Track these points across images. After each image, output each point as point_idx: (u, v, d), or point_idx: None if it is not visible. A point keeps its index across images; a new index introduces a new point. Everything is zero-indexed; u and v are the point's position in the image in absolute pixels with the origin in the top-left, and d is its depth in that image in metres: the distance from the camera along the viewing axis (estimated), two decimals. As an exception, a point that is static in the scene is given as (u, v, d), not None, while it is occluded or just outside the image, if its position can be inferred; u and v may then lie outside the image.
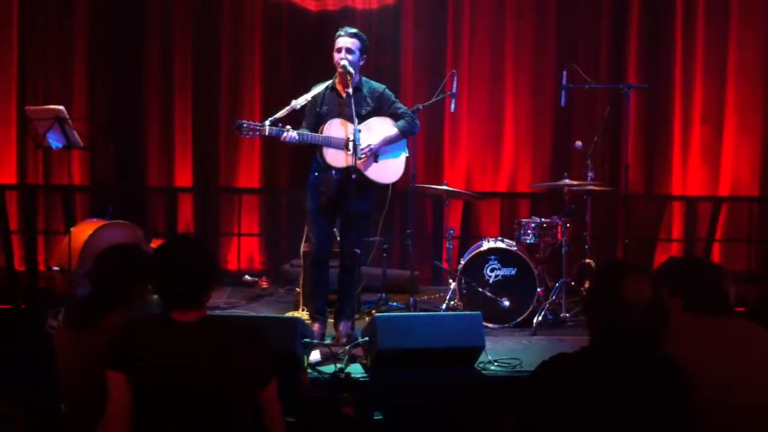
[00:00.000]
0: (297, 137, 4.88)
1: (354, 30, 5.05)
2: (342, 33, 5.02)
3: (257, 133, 4.88)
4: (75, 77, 7.45)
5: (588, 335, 2.43)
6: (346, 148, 4.88)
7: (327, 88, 5.10)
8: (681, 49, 7.58)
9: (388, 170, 5.13)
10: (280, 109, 4.95)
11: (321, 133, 4.95)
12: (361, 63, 5.06)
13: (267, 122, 4.88)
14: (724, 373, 2.45)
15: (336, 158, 4.92)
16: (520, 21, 7.63)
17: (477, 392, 4.31)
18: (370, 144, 4.98)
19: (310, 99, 5.05)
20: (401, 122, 5.10)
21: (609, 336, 2.35)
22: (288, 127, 4.88)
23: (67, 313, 3.07)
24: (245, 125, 4.88)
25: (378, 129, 5.06)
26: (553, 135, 7.67)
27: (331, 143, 4.92)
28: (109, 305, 2.95)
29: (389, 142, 5.08)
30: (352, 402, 3.64)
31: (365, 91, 5.10)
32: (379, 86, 5.18)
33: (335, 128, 4.95)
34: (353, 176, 4.83)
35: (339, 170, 4.95)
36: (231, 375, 2.54)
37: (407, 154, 5.26)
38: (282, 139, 4.87)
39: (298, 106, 5.00)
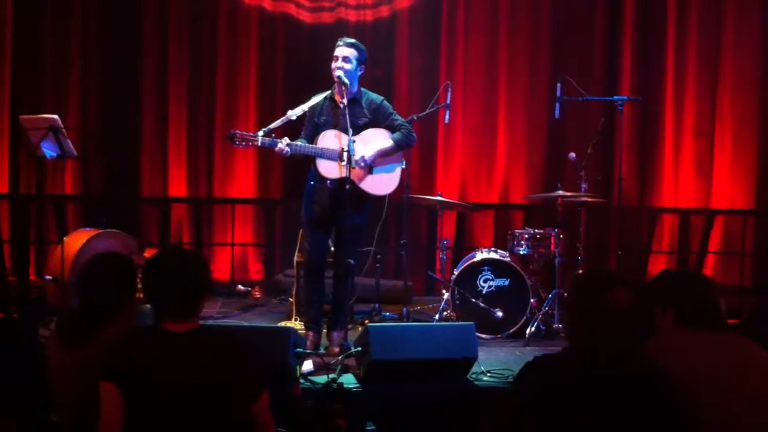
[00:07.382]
0: (290, 148, 4.89)
1: (352, 40, 5.05)
2: (341, 43, 5.03)
3: (249, 143, 4.89)
4: (69, 87, 7.44)
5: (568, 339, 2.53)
6: (340, 159, 4.88)
7: (325, 98, 5.10)
8: (674, 61, 7.60)
9: (383, 182, 5.12)
10: (275, 120, 4.97)
11: (316, 143, 4.96)
12: (359, 73, 5.05)
13: (260, 133, 4.89)
14: (715, 385, 2.46)
15: (329, 169, 4.93)
16: (514, 33, 7.67)
17: (470, 403, 4.30)
18: (363, 155, 4.98)
19: (307, 109, 5.06)
20: (397, 134, 5.08)
21: (589, 337, 2.42)
22: (282, 138, 4.89)
23: (59, 327, 3.02)
24: (238, 135, 4.89)
25: (373, 141, 5.06)
26: (547, 146, 7.69)
27: (325, 154, 4.92)
28: (99, 317, 2.90)
29: (384, 155, 5.07)
30: (344, 413, 3.63)
31: (363, 102, 5.10)
32: (377, 98, 5.16)
33: (329, 139, 4.96)
34: (347, 186, 4.83)
35: (333, 181, 4.96)
36: (223, 387, 2.54)
37: (403, 167, 5.25)
38: (276, 150, 4.88)
39: (294, 117, 5.00)
